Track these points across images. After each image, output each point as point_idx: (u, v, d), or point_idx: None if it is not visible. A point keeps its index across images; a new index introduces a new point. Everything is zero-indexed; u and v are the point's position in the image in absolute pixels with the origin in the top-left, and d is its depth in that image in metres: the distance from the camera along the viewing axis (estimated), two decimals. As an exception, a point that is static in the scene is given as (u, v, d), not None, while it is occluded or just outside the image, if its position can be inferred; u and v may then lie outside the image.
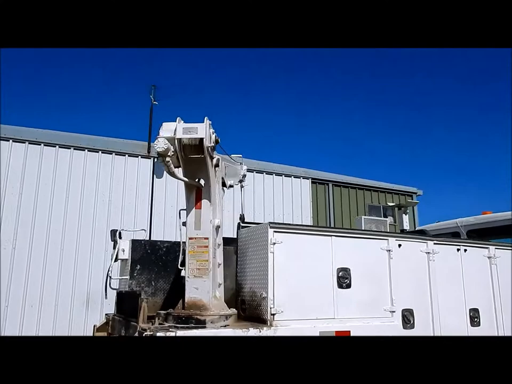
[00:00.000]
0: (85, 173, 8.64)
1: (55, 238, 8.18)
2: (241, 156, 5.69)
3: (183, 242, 3.58)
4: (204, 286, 3.38)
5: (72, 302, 8.12)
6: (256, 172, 10.41)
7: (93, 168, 8.74)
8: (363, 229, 6.23)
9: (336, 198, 11.76)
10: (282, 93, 30.58)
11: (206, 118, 3.28)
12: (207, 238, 3.39)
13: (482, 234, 6.16)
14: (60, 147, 8.51)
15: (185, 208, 3.59)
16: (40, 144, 8.36)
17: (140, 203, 9.02)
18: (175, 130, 3.21)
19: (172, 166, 3.25)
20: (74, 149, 8.63)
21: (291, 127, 31.83)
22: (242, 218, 5.71)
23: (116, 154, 8.94)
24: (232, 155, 5.56)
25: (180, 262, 3.61)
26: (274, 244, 3.62)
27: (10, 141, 8.12)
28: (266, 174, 10.66)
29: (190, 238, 3.46)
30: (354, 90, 31.80)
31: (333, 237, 3.93)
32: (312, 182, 11.34)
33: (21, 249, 7.92)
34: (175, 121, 3.31)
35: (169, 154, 3.20)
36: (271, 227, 3.65)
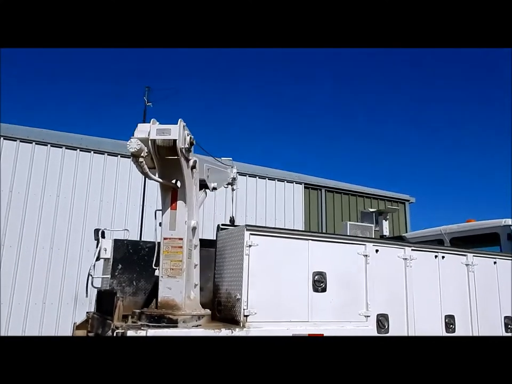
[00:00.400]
0: (76, 173, 8.69)
1: (45, 237, 8.21)
2: (231, 159, 5.76)
3: (158, 242, 3.63)
4: (177, 286, 3.43)
5: (60, 300, 8.15)
6: (249, 176, 10.46)
7: (85, 168, 8.78)
8: (348, 234, 6.29)
9: (329, 203, 11.81)
10: (277, 97, 30.71)
11: (180, 120, 3.34)
12: (181, 239, 3.45)
13: (466, 242, 6.23)
14: (51, 146, 8.56)
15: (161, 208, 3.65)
16: (31, 143, 8.41)
17: (131, 204, 9.07)
18: (149, 131, 3.27)
19: (145, 166, 3.31)
20: (66, 148, 8.69)
21: (285, 132, 31.95)
22: (232, 220, 5.77)
23: (108, 154, 9.00)
24: (222, 158, 5.63)
25: (154, 262, 3.66)
26: (250, 246, 3.68)
27: (1, 138, 8.17)
28: (259, 178, 10.71)
29: (164, 238, 3.52)
30: (348, 95, 31.95)
31: (309, 241, 3.99)
32: (305, 187, 11.39)
33: (10, 247, 7.95)
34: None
35: (142, 155, 3.25)
36: (247, 229, 3.71)
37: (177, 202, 3.52)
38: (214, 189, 4.70)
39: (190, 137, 3.47)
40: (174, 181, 3.54)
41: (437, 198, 29.26)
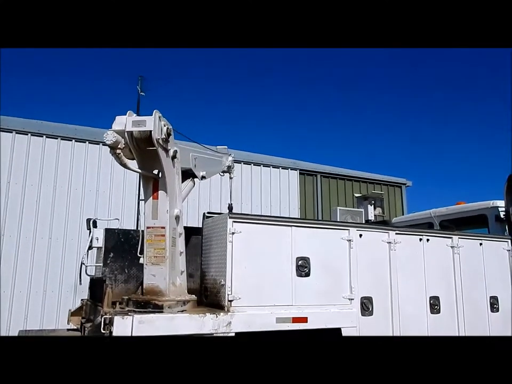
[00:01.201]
0: (72, 163, 8.79)
1: (43, 227, 8.36)
2: (226, 147, 5.80)
3: (141, 231, 3.73)
4: (161, 273, 3.53)
5: (60, 288, 8.34)
6: (243, 163, 10.50)
7: (80, 158, 8.88)
8: (338, 219, 6.37)
9: (325, 189, 11.86)
10: (271, 83, 30.52)
11: (155, 111, 3.39)
12: (163, 227, 3.54)
13: (455, 224, 6.30)
14: (47, 137, 8.65)
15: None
16: (27, 134, 8.50)
17: (127, 193, 9.17)
18: (125, 123, 3.33)
19: (123, 158, 3.38)
20: (61, 139, 8.77)
21: (279, 117, 31.81)
22: (230, 207, 5.86)
23: (102, 144, 9.06)
24: (217, 147, 5.68)
25: (138, 250, 3.77)
26: (233, 233, 3.78)
27: (-2, 131, 8.25)
28: (254, 165, 10.76)
29: (147, 227, 3.62)
30: (344, 81, 31.69)
31: (292, 227, 4.08)
32: (300, 173, 11.42)
33: (10, 237, 8.11)
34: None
35: (119, 146, 3.33)
36: (230, 217, 3.80)
37: (159, 192, 3.60)
38: (203, 177, 4.76)
39: (167, 128, 3.51)
40: (156, 172, 3.61)
41: (435, 181, 29.24)
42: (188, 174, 4.59)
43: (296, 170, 11.33)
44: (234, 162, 5.79)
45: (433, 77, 30.08)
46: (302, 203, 11.32)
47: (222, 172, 5.64)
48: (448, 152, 30.66)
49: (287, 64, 30.74)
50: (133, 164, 3.61)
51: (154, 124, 3.34)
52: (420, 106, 32.04)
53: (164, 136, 3.47)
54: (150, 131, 3.31)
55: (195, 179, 4.74)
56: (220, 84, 30.95)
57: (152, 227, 3.58)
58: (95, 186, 8.92)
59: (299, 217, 10.72)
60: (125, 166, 3.45)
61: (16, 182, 8.28)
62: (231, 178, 5.82)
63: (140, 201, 3.91)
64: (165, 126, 3.50)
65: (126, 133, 3.32)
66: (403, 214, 12.44)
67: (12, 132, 8.38)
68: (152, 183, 3.62)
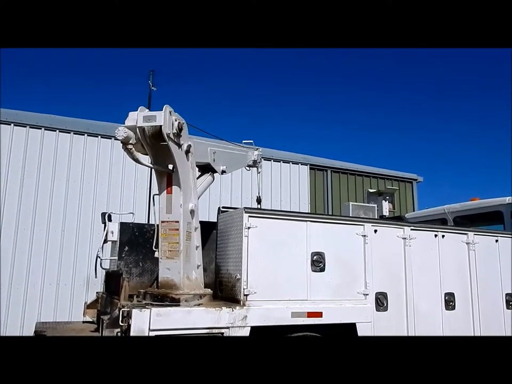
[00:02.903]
0: (85, 157, 8.84)
1: (56, 220, 8.44)
2: (252, 141, 5.79)
3: (157, 225, 3.75)
4: (175, 267, 3.55)
5: (73, 281, 8.42)
6: (254, 158, 10.48)
7: (93, 152, 8.93)
8: (350, 215, 6.34)
9: (335, 184, 11.80)
10: (283, 80, 30.39)
11: (165, 106, 3.39)
12: (177, 222, 3.55)
13: (469, 221, 6.24)
14: (60, 131, 8.72)
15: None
16: (40, 129, 8.57)
17: (138, 187, 9.22)
18: (137, 119, 3.34)
19: (135, 153, 3.40)
20: (74, 133, 8.83)
21: (290, 114, 31.70)
22: (259, 200, 5.90)
23: (114, 139, 9.08)
24: (243, 141, 5.67)
25: (154, 244, 3.79)
26: (249, 228, 3.78)
27: (12, 125, 8.33)
28: (264, 160, 10.70)
29: (162, 222, 3.64)
30: (354, 77, 31.47)
31: (308, 222, 4.08)
32: (310, 168, 11.38)
33: (24, 230, 8.20)
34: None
35: (131, 142, 3.34)
36: (246, 212, 3.81)
37: (172, 186, 3.60)
38: (224, 172, 4.75)
39: (179, 123, 3.50)
40: (170, 166, 3.61)
41: (446, 177, 28.97)
42: (207, 169, 4.59)
43: (306, 165, 11.29)
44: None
45: (445, 75, 29.75)
46: (312, 198, 11.29)
47: (248, 166, 5.67)
48: (458, 149, 30.34)
49: (297, 61, 30.57)
50: (146, 159, 3.62)
51: (164, 118, 3.34)
52: (431, 102, 31.70)
53: (175, 131, 3.47)
54: (160, 126, 3.31)
55: (216, 173, 4.72)
56: (232, 81, 30.91)
57: (167, 221, 3.60)
58: (107, 180, 8.98)
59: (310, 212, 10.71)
60: (137, 161, 3.47)
61: (30, 176, 8.36)
62: (258, 172, 5.85)
63: (153, 196, 3.91)
64: (176, 120, 3.49)
65: (137, 129, 3.33)
66: (414, 210, 12.36)
67: (25, 127, 8.45)
68: (166, 178, 3.63)
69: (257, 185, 6.15)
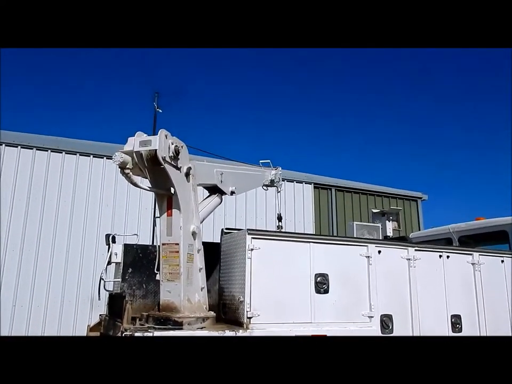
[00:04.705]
0: (90, 178, 8.94)
1: (61, 240, 8.48)
2: (269, 161, 5.83)
3: (158, 247, 3.76)
4: (176, 289, 3.54)
5: (76, 302, 8.40)
6: (258, 177, 10.52)
7: (98, 173, 9.03)
8: (355, 235, 6.33)
9: (339, 203, 11.80)
10: (286, 97, 30.73)
11: (161, 130, 3.46)
12: (177, 244, 3.56)
13: (474, 240, 6.20)
14: (66, 153, 8.84)
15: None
16: (47, 150, 8.70)
17: (143, 208, 9.27)
18: (134, 144, 3.41)
19: (132, 177, 3.45)
20: (80, 154, 8.95)
21: (294, 133, 31.95)
22: (280, 217, 5.92)
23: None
24: (260, 161, 5.72)
25: (156, 267, 3.79)
26: (252, 249, 3.78)
27: (19, 147, 8.47)
28: (268, 178, 10.76)
29: (162, 244, 3.65)
30: (357, 93, 31.75)
31: (311, 243, 4.07)
32: (314, 187, 11.41)
33: (28, 251, 8.23)
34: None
35: (128, 166, 3.39)
36: (249, 233, 3.81)
37: (173, 208, 3.63)
38: (233, 192, 4.75)
39: (175, 146, 3.54)
40: (172, 190, 3.63)
41: (451, 195, 28.85)
42: (216, 190, 4.62)
43: (310, 184, 11.32)
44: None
45: (450, 88, 29.92)
46: (317, 217, 11.27)
47: (265, 186, 5.70)
48: (464, 167, 30.30)
49: (301, 79, 30.98)
50: (145, 182, 3.66)
51: (159, 142, 3.39)
52: (436, 118, 31.83)
53: (172, 154, 3.51)
54: (155, 150, 3.36)
55: (223, 195, 4.71)
56: (235, 99, 31.33)
57: (167, 243, 3.61)
58: (112, 201, 9.04)
59: (314, 231, 10.67)
60: (135, 184, 3.51)
61: (35, 197, 8.45)
62: (278, 192, 5.88)
63: (156, 217, 3.94)
64: (173, 144, 3.53)
65: (134, 153, 3.40)
66: (419, 229, 12.28)
67: (32, 149, 8.58)
68: (167, 200, 3.66)
69: (276, 204, 6.21)
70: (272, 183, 5.71)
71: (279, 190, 5.88)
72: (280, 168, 5.84)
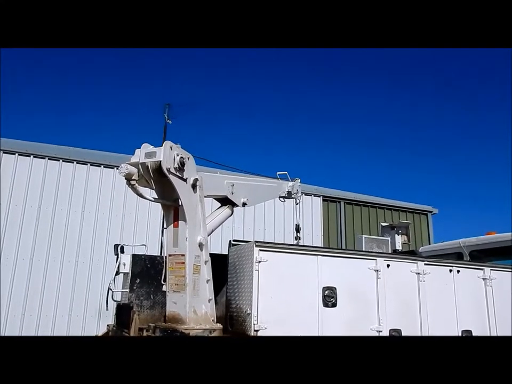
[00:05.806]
0: (100, 188, 9.03)
1: (70, 251, 8.54)
2: (286, 173, 5.86)
3: (165, 258, 3.78)
4: (181, 301, 3.54)
5: (85, 312, 8.42)
6: (266, 189, 10.53)
7: (108, 184, 9.12)
8: (364, 248, 6.27)
9: (348, 216, 11.73)
10: (291, 110, 30.91)
11: (166, 141, 3.50)
12: (183, 255, 3.57)
13: (486, 255, 6.11)
14: (77, 163, 8.97)
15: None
16: (58, 160, 8.83)
17: (152, 218, 9.32)
18: (139, 155, 3.46)
19: (138, 188, 3.49)
20: (91, 165, 9.07)
21: (301, 145, 32.01)
22: (298, 228, 5.92)
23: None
24: (277, 172, 5.76)
25: (162, 278, 3.80)
26: (259, 262, 3.77)
27: (32, 156, 8.61)
28: (276, 191, 10.77)
29: (169, 255, 3.66)
30: (365, 108, 31.81)
31: (319, 256, 4.05)
32: (323, 200, 11.37)
33: (39, 261, 8.31)
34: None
35: (134, 178, 3.43)
36: (256, 246, 3.81)
37: (179, 220, 3.65)
38: (244, 204, 4.77)
39: (181, 157, 3.56)
40: (180, 202, 3.65)
41: (462, 209, 28.53)
42: (227, 201, 4.63)
43: (319, 196, 11.29)
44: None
45: (461, 100, 29.81)
46: (326, 230, 11.21)
47: (282, 198, 5.71)
48: (475, 181, 30.01)
49: (307, 97, 31.17)
50: (154, 194, 3.69)
51: (164, 154, 3.42)
52: (446, 133, 31.70)
53: (177, 165, 3.53)
54: (160, 161, 3.39)
55: (235, 206, 4.71)
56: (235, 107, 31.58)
57: (173, 255, 3.63)
58: (121, 211, 9.11)
59: (323, 244, 10.61)
60: (140, 195, 3.54)
61: (46, 206, 8.55)
62: (297, 203, 5.90)
63: (163, 229, 3.96)
64: (178, 155, 3.55)
65: (139, 165, 3.44)
66: (429, 243, 12.14)
67: (44, 158, 8.72)
68: (173, 211, 3.68)
69: (296, 215, 6.22)
70: (289, 195, 5.72)
71: (298, 201, 5.90)
72: (299, 180, 5.86)
